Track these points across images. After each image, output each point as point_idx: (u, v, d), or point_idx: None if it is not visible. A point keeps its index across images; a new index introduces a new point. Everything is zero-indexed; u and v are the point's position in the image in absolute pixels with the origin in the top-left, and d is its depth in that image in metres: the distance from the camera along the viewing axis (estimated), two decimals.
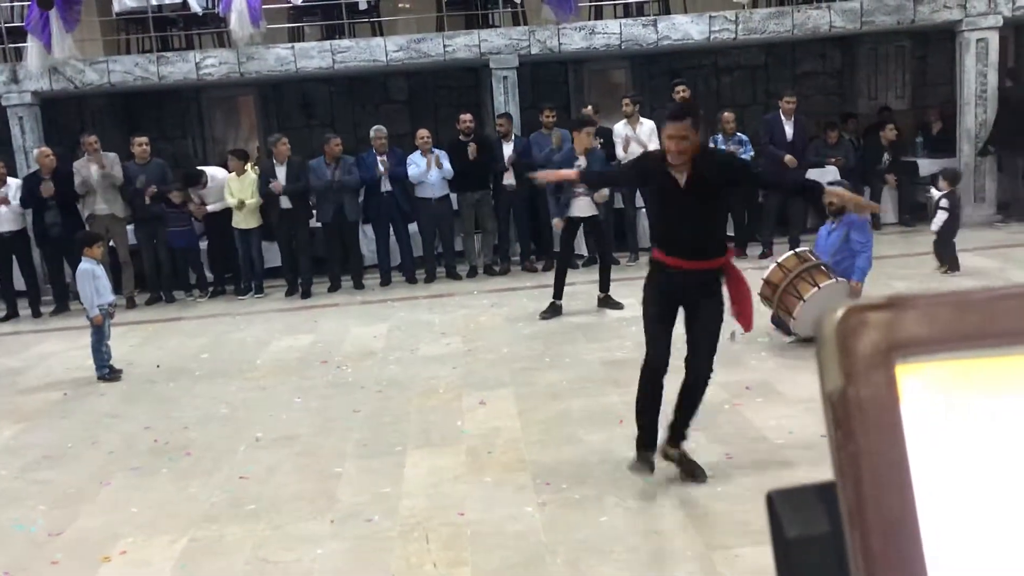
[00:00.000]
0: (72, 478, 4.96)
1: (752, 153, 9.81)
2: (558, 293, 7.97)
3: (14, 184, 9.59)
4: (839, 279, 6.20)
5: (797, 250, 6.37)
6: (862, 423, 0.42)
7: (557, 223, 7.97)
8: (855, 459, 0.42)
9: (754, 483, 4.16)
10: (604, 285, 8.07)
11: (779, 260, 6.38)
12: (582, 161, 7.70)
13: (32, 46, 10.00)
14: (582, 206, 7.87)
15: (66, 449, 5.46)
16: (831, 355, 0.43)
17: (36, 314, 9.75)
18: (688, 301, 4.23)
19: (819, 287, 6.09)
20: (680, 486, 4.22)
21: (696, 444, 4.71)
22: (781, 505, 0.47)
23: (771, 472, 4.28)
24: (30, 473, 5.10)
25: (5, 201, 9.37)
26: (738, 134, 9.78)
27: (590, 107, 10.23)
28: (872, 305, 0.43)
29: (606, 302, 8.04)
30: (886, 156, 10.97)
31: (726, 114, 9.78)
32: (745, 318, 4.38)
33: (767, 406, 5.23)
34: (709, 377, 4.29)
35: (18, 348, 8.40)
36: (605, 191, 7.95)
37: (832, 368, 0.43)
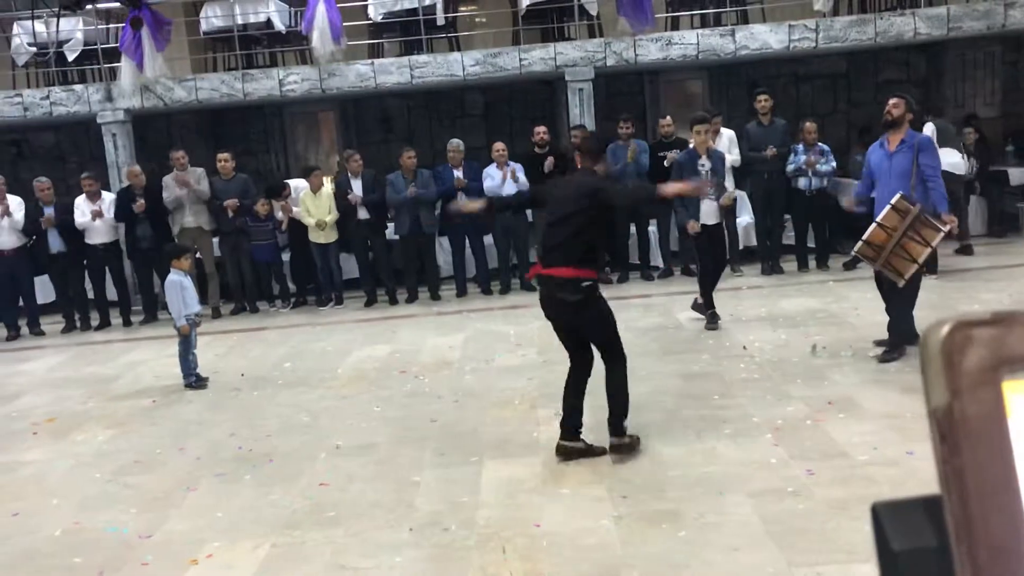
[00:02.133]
0: (161, 483, 5.13)
1: (834, 164, 9.62)
2: (710, 302, 7.71)
3: (108, 198, 10.00)
4: (942, 228, 5.80)
5: (892, 203, 5.86)
6: (968, 438, 0.42)
7: (692, 225, 7.63)
8: (961, 473, 0.42)
9: (836, 500, 4.08)
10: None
11: (878, 220, 5.88)
12: (704, 162, 7.60)
13: (125, 66, 10.42)
14: (708, 213, 7.67)
15: (155, 455, 5.64)
16: (937, 371, 0.43)
17: (127, 323, 10.12)
18: None
19: (931, 246, 5.75)
20: (759, 502, 4.15)
21: (776, 459, 4.65)
22: (887, 517, 0.47)
23: (853, 489, 4.18)
24: (122, 477, 5.29)
25: (100, 214, 9.77)
26: (819, 144, 9.61)
27: (669, 117, 10.18)
28: (979, 321, 0.43)
29: (702, 307, 7.90)
30: (972, 163, 10.64)
31: (808, 124, 9.61)
32: None
33: (850, 422, 5.11)
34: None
35: (110, 356, 8.73)
36: (734, 193, 7.71)
37: (938, 384, 0.43)
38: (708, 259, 7.79)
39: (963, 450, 0.42)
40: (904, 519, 0.47)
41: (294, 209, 10.08)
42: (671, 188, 5.31)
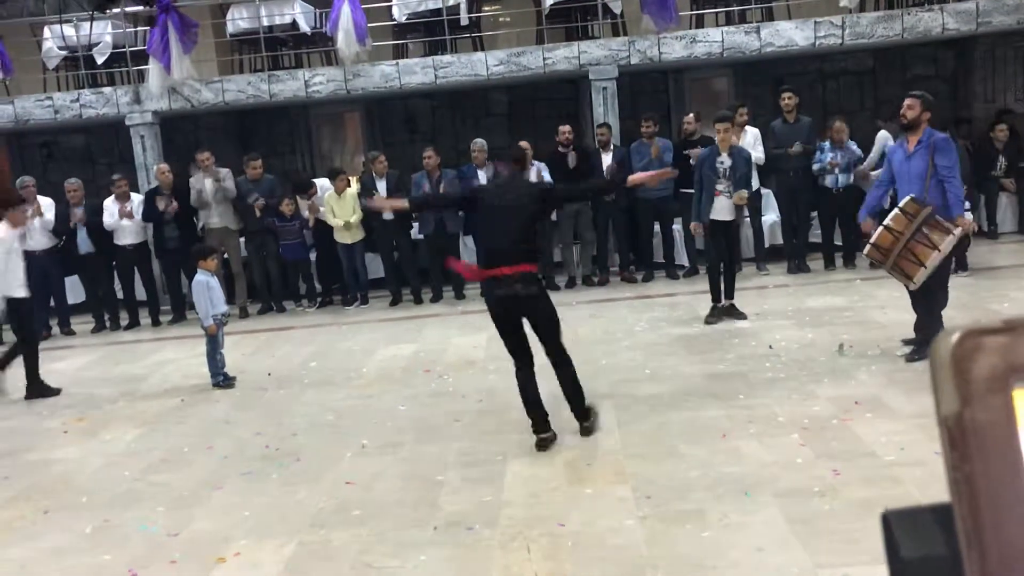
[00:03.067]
0: (188, 481, 5.18)
1: (860, 153, 9.52)
2: (716, 297, 7.84)
3: (137, 199, 10.11)
4: (952, 231, 5.74)
5: (900, 205, 5.84)
6: (978, 446, 0.42)
7: (695, 227, 7.91)
8: (971, 481, 0.42)
9: (863, 500, 4.04)
10: (729, 292, 7.93)
11: (886, 222, 5.84)
12: (724, 159, 7.64)
13: (153, 68, 10.53)
14: (721, 209, 7.70)
15: (183, 453, 5.70)
16: (947, 379, 0.43)
17: (155, 323, 10.23)
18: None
19: (939, 250, 5.68)
20: (785, 502, 4.13)
21: (802, 459, 4.62)
22: (897, 525, 0.47)
23: (880, 489, 4.15)
24: (150, 475, 5.35)
25: (130, 215, 9.89)
26: (849, 142, 9.52)
27: (692, 115, 10.14)
28: (989, 329, 0.43)
29: (730, 311, 7.89)
30: (1002, 160, 10.52)
31: (837, 124, 9.51)
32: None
33: (877, 421, 5.07)
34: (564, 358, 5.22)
35: (139, 356, 8.83)
36: (745, 192, 7.74)
37: (948, 391, 0.43)
38: (715, 254, 7.88)
39: (973, 458, 0.42)
40: (914, 527, 0.47)
41: (320, 208, 10.15)
42: (637, 177, 5.87)
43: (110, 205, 9.99)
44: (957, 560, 0.44)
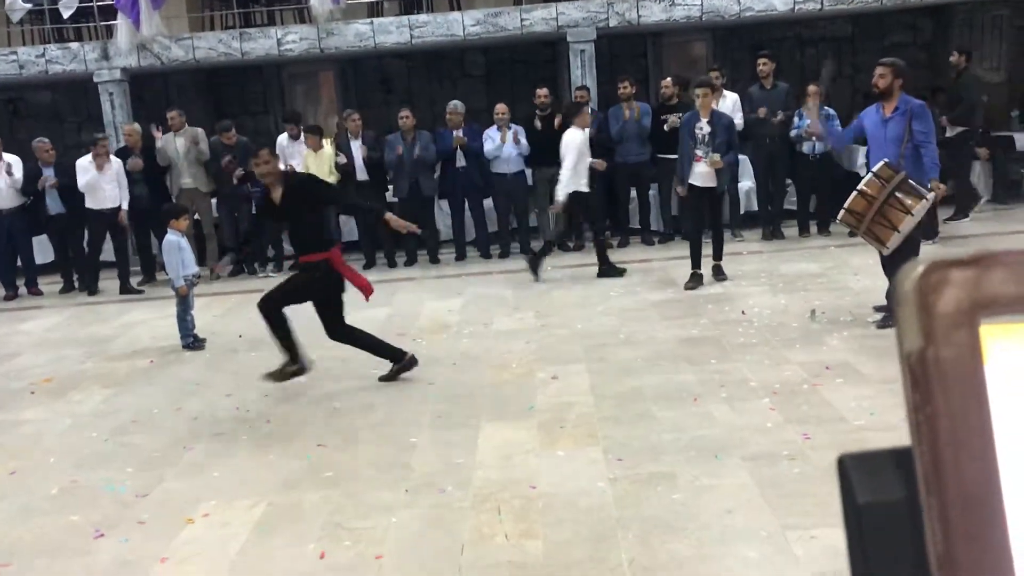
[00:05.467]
0: (158, 442, 5.14)
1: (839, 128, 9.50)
2: (695, 263, 7.89)
3: (116, 162, 9.69)
4: (926, 196, 5.74)
5: (874, 170, 5.81)
6: (942, 385, 0.39)
7: (680, 190, 8.02)
8: (933, 422, 0.39)
9: (831, 464, 4.05)
10: (716, 254, 8.00)
11: (860, 187, 5.81)
12: (704, 125, 7.67)
13: (122, 24, 10.29)
14: (699, 175, 7.74)
15: (152, 414, 5.66)
16: (910, 314, 0.40)
17: (124, 290, 10.04)
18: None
19: (912, 214, 5.67)
20: (755, 465, 4.16)
21: (772, 423, 4.66)
22: (854, 469, 0.45)
23: None
24: (119, 436, 5.30)
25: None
26: (825, 108, 9.49)
27: (669, 79, 10.07)
28: (956, 261, 0.40)
29: (717, 271, 7.99)
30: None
31: (811, 87, 9.46)
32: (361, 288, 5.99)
33: (847, 387, 5.11)
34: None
35: (108, 316, 8.72)
36: (717, 157, 7.70)
37: (911, 327, 0.40)
38: (692, 221, 8.07)
39: (936, 396, 0.40)
40: (872, 471, 0.45)
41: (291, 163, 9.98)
42: (393, 219, 6.10)
43: (86, 164, 9.43)
44: (915, 505, 0.42)
